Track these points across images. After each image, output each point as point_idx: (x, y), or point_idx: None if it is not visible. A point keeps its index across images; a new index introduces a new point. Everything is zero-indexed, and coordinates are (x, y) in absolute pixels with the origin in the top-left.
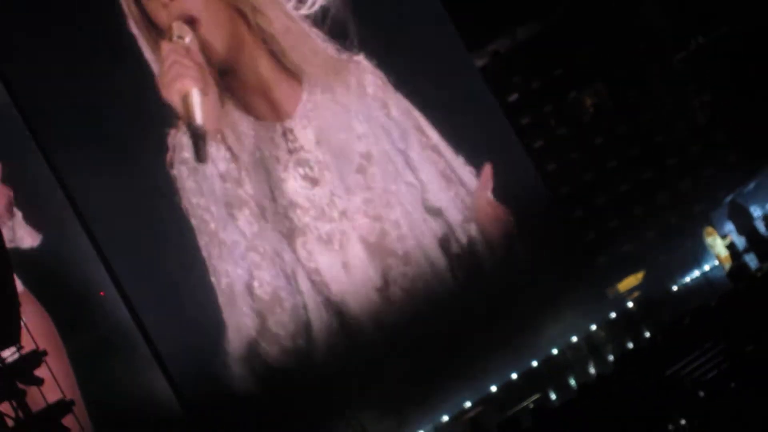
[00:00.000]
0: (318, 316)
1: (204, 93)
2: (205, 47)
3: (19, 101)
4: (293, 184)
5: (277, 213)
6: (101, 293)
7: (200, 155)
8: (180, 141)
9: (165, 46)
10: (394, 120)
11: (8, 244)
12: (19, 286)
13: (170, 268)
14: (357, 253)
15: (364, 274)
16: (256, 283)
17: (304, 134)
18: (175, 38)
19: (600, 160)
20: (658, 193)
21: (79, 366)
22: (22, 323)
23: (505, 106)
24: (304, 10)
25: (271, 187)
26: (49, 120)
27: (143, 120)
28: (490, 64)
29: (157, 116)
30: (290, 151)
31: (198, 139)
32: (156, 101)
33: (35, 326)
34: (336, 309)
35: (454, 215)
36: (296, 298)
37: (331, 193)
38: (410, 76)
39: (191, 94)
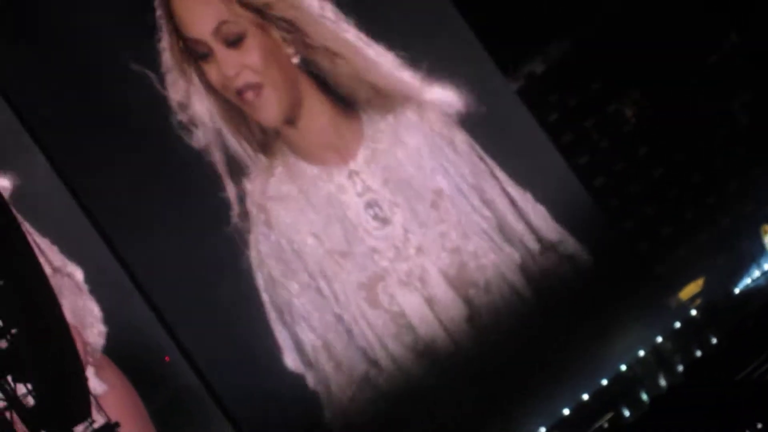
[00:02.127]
0: (407, 358)
1: None
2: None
3: (65, 174)
4: (367, 229)
5: (356, 265)
6: (166, 358)
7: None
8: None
9: None
10: (461, 156)
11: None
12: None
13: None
14: (439, 287)
15: (449, 307)
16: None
17: (371, 175)
18: None
19: (646, 169)
20: (707, 197)
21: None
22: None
23: (546, 125)
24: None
25: (348, 241)
26: (97, 190)
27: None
28: (525, 86)
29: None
30: (358, 194)
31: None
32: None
33: (117, 393)
34: (425, 347)
35: (531, 244)
36: (381, 351)
37: (405, 230)
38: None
39: None
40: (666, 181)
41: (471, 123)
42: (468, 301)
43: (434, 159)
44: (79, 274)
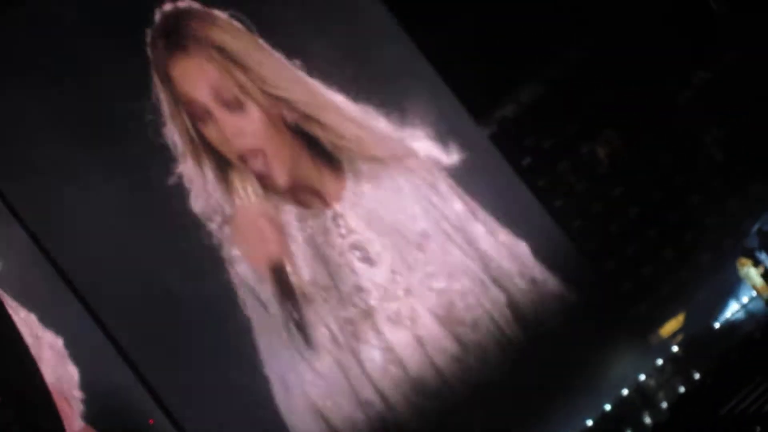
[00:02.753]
0: (396, 396)
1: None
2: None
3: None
4: (352, 268)
5: (341, 300)
6: (150, 421)
7: (309, 340)
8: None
9: (241, 207)
10: (445, 199)
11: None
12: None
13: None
14: (429, 327)
15: (440, 345)
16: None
17: (354, 218)
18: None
19: (623, 210)
20: (685, 233)
21: None
22: None
23: (520, 170)
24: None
25: (332, 277)
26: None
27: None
28: (498, 131)
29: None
30: (342, 236)
31: (301, 320)
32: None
33: None
34: (414, 384)
35: (517, 281)
36: (370, 387)
37: (392, 272)
38: None
39: (280, 266)
40: (643, 221)
41: (451, 168)
42: (457, 339)
43: (418, 202)
44: (59, 341)
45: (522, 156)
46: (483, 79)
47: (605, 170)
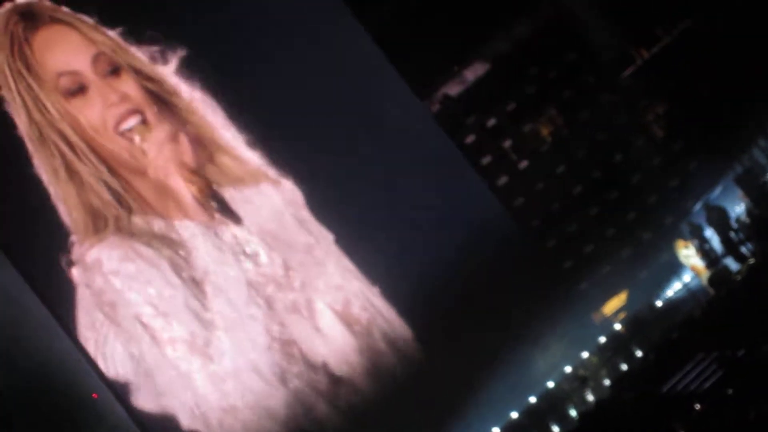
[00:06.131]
0: (304, 388)
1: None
2: None
3: None
4: (243, 269)
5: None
6: (94, 395)
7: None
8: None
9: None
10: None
11: None
12: None
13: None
14: (327, 319)
15: (340, 336)
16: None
17: (236, 228)
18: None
19: (565, 188)
20: (627, 212)
21: None
22: None
23: (464, 148)
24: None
25: (225, 276)
26: None
27: None
28: (442, 109)
29: None
30: (222, 239)
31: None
32: None
33: None
34: (320, 373)
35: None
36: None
37: (286, 267)
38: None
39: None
40: (585, 199)
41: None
42: (354, 334)
43: (299, 224)
44: None
45: (465, 134)
46: (427, 57)
47: (548, 148)
